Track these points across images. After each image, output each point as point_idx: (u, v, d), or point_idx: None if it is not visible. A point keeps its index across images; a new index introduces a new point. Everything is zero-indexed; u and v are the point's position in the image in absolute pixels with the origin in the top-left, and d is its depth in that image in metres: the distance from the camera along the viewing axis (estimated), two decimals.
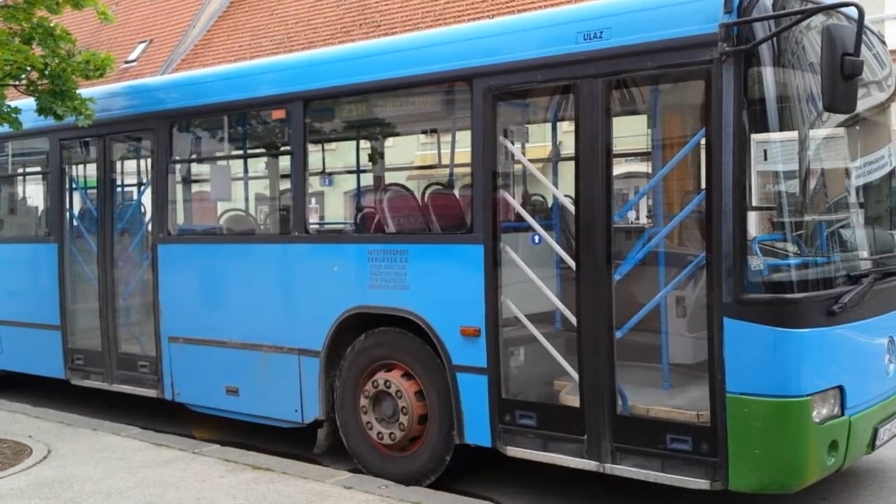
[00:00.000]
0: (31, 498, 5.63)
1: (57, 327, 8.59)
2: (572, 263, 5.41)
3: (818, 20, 4.91)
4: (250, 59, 19.60)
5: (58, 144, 8.70)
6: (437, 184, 7.81)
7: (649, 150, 6.22)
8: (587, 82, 5.27)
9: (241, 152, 8.74)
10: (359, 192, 8.80)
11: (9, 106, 6.88)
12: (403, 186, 7.49)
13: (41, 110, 7.02)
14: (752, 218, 5.02)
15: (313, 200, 8.53)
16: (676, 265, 5.37)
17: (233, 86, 7.44)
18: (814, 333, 4.71)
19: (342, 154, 9.63)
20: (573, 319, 5.37)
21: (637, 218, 9.98)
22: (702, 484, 4.87)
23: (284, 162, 7.78)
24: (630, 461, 5.13)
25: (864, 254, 5.49)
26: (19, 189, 10.41)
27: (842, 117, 5.15)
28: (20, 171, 10.28)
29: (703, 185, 4.97)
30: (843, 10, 5.09)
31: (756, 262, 4.75)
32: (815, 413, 4.72)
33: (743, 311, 4.69)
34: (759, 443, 4.69)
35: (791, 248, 4.94)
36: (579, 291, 5.33)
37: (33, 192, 10.27)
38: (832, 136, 5.42)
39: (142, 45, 27.71)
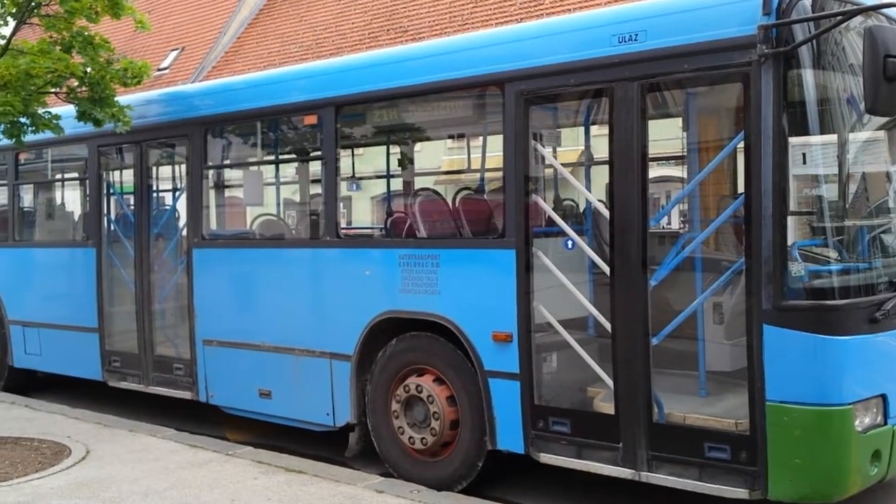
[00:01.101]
0: (70, 497, 5.70)
1: (94, 330, 8.69)
2: (606, 269, 5.36)
3: (859, 21, 4.82)
4: (279, 66, 19.77)
5: (96, 151, 8.82)
6: (468, 188, 7.80)
7: (683, 153, 6.16)
8: (622, 85, 5.22)
9: (273, 158, 8.79)
10: (389, 197, 8.81)
11: (49, 112, 6.98)
12: (434, 191, 7.48)
13: (81, 116, 7.12)
14: (792, 223, 4.95)
15: (340, 205, 8.55)
16: (713, 271, 5.30)
17: (265, 92, 7.49)
18: (856, 341, 4.63)
19: (370, 159, 9.67)
20: (608, 325, 5.32)
21: (669, 223, 9.89)
22: (740, 493, 4.80)
23: (315, 167, 7.82)
24: (666, 469, 5.07)
25: None
26: (58, 194, 10.57)
27: (883, 120, 5.07)
28: (59, 176, 10.45)
29: (742, 190, 4.91)
30: (885, 11, 5.01)
31: (796, 268, 4.67)
32: (857, 422, 4.63)
33: (783, 317, 4.62)
34: (799, 452, 4.61)
35: (832, 253, 4.86)
36: (614, 297, 5.27)
37: (71, 198, 10.42)
38: (873, 138, 5.34)
39: (174, 53, 28.02)
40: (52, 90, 6.99)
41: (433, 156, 11.82)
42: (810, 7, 4.71)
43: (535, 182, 5.84)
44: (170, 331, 8.29)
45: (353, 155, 9.06)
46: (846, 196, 4.89)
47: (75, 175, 10.04)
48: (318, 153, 7.13)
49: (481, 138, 7.83)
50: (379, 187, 11.18)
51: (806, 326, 4.57)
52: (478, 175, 8.11)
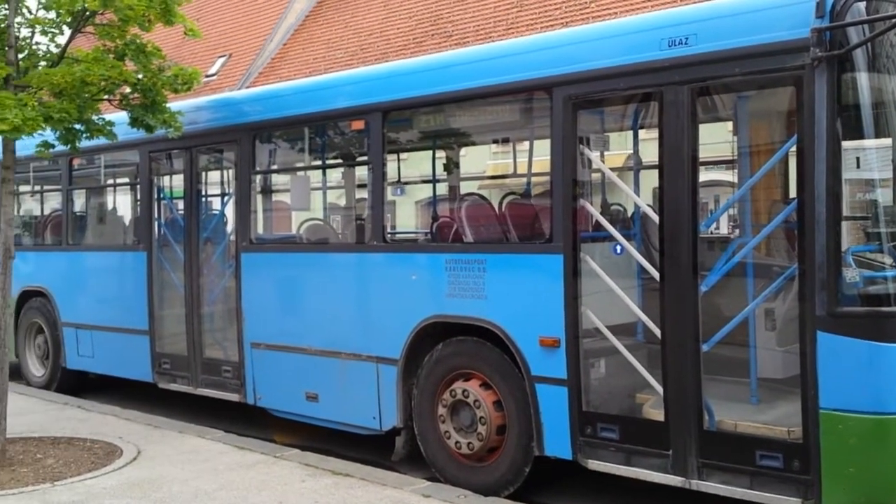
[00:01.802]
0: (122, 497, 5.81)
1: (145, 332, 8.84)
2: (656, 274, 5.31)
3: None
4: (324, 72, 19.94)
5: (147, 156, 8.98)
6: (514, 193, 7.79)
7: (733, 157, 6.10)
8: (672, 89, 5.18)
9: (320, 163, 8.87)
10: (435, 202, 8.84)
11: (103, 119, 7.12)
12: (481, 196, 7.48)
13: (134, 122, 7.25)
14: (846, 228, 4.87)
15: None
16: (765, 277, 5.23)
17: (313, 98, 7.58)
18: None
19: (415, 163, 9.71)
20: (657, 331, 5.28)
21: (717, 228, 9.79)
22: (793, 502, 4.72)
23: (362, 171, 7.87)
24: (717, 477, 5.01)
25: None
26: (109, 199, 10.78)
27: None
28: (110, 181, 10.65)
29: (794, 194, 4.84)
30: None
31: (851, 273, 4.60)
32: None
33: (837, 324, 4.55)
34: (854, 460, 4.53)
35: (887, 259, 4.77)
36: (664, 303, 5.23)
37: (122, 202, 10.61)
38: None
39: (221, 60, 28.41)
40: (106, 97, 7.12)
41: (478, 160, 11.82)
42: (864, 9, 4.64)
43: (582, 186, 5.81)
44: (218, 334, 8.41)
45: (398, 159, 9.12)
46: None
47: (126, 180, 10.21)
48: (365, 158, 7.17)
49: (527, 143, 7.82)
50: (423, 192, 11.21)
51: (861, 333, 4.49)
52: (523, 179, 8.10)
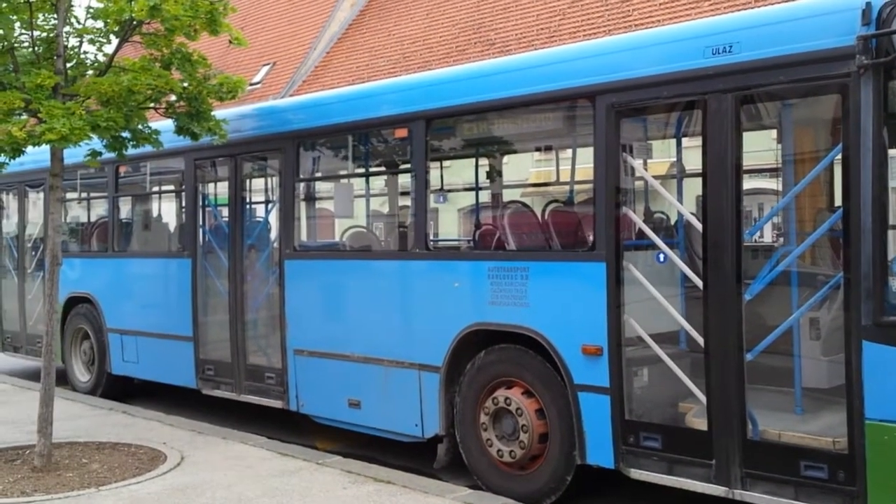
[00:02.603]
0: (166, 502, 5.90)
1: (189, 338, 8.96)
2: (699, 283, 5.29)
3: None
4: (367, 80, 20.09)
5: (192, 164, 9.13)
6: (557, 200, 7.79)
7: (777, 165, 6.04)
8: (716, 97, 5.16)
9: (363, 170, 8.95)
10: (477, 209, 8.87)
11: (149, 127, 7.25)
12: (523, 203, 7.50)
13: (179, 130, 7.38)
14: (892, 237, 4.80)
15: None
16: (809, 285, 5.19)
17: (356, 106, 7.65)
18: None
19: (457, 171, 9.74)
20: (700, 340, 5.25)
21: (761, 236, 9.67)
22: None
23: (404, 179, 7.92)
24: (761, 487, 4.96)
25: None
26: (155, 206, 10.97)
27: None
28: (156, 189, 10.84)
29: (839, 203, 4.79)
30: None
31: None
32: None
33: (883, 334, 4.49)
34: None
35: None
36: (707, 312, 5.20)
37: (167, 209, 10.79)
38: None
39: (265, 68, 28.78)
40: (152, 105, 7.25)
41: (521, 168, 11.83)
42: None
43: (625, 194, 5.80)
44: (262, 340, 8.49)
45: (441, 167, 9.16)
46: None
47: (172, 187, 10.38)
48: (408, 166, 7.24)
49: (570, 150, 7.82)
50: (466, 199, 11.25)
51: None
52: (566, 187, 8.10)
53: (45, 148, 6.79)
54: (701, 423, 5.25)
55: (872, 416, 4.54)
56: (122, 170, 10.29)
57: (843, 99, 4.69)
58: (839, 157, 4.80)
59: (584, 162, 6.42)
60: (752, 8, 5.29)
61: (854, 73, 4.59)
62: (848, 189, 4.66)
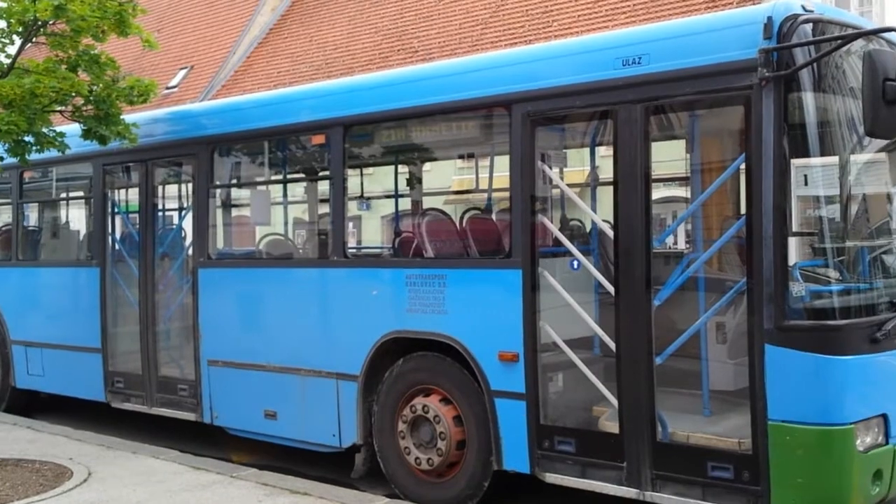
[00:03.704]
0: None
1: (98, 350, 8.70)
2: (611, 289, 5.39)
3: (859, 45, 4.88)
4: (289, 85, 19.88)
5: (101, 169, 8.87)
6: (475, 208, 7.84)
7: (687, 174, 6.20)
8: (626, 108, 5.28)
9: (280, 177, 8.84)
10: (396, 217, 8.86)
11: (54, 131, 7.03)
12: (441, 211, 7.52)
13: (86, 134, 7.18)
14: (793, 243, 4.98)
15: (350, 225, 8.65)
16: (716, 291, 5.33)
17: (273, 112, 7.55)
18: (857, 361, 4.65)
19: (379, 178, 9.71)
20: (612, 345, 5.35)
21: (675, 243, 9.92)
22: None
23: (323, 186, 7.85)
24: (670, 489, 5.08)
25: None
26: (62, 213, 10.62)
27: (883, 142, 5.10)
28: (63, 195, 10.50)
29: (744, 211, 4.95)
30: (884, 35, 5.09)
31: (798, 288, 4.71)
32: (858, 441, 4.64)
33: (784, 337, 4.65)
34: (801, 471, 4.63)
35: (833, 274, 4.89)
36: (618, 317, 5.31)
37: (75, 217, 10.46)
38: (874, 160, 5.37)
39: (182, 72, 28.21)
40: (58, 108, 7.04)
41: (443, 175, 11.85)
42: (811, 31, 4.77)
43: (541, 202, 5.88)
44: (174, 351, 8.31)
45: (361, 174, 9.11)
46: (847, 217, 4.92)
47: (80, 194, 10.07)
48: (326, 173, 7.18)
49: (489, 158, 7.89)
50: (389, 207, 11.22)
51: (807, 346, 4.60)
52: (485, 195, 8.16)
53: None
54: (613, 427, 5.34)
55: (775, 417, 4.69)
56: (28, 175, 9.92)
57: (746, 110, 4.85)
58: (743, 166, 4.96)
59: (502, 170, 6.47)
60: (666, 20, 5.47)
61: (756, 85, 4.75)
62: (751, 197, 4.82)
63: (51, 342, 9.30)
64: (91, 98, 7.09)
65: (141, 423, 8.70)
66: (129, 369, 8.52)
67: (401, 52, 22.96)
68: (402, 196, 8.84)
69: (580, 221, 7.23)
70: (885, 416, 4.81)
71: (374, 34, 24.67)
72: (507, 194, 5.99)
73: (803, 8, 4.82)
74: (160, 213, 8.84)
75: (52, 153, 7.21)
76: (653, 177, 5.29)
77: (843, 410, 4.60)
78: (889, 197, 5.58)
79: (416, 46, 22.83)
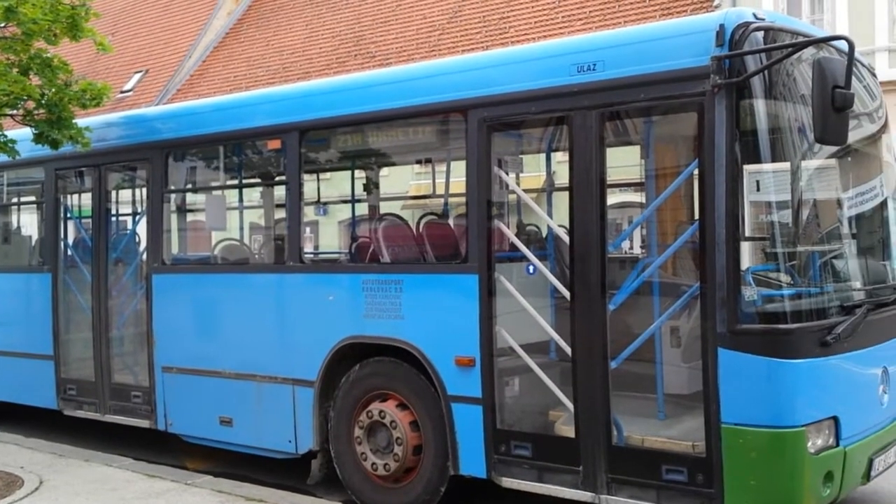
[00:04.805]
0: None
1: (49, 357, 8.54)
2: (567, 293, 5.42)
3: (809, 53, 4.98)
4: (246, 90, 19.74)
5: (53, 174, 8.71)
6: (432, 213, 7.84)
7: (642, 180, 6.27)
8: (581, 114, 5.32)
9: (236, 182, 8.75)
10: (354, 222, 8.81)
11: (4, 135, 6.90)
12: (398, 216, 7.51)
13: (38, 138, 7.05)
14: (746, 248, 5.05)
15: (308, 230, 8.56)
16: (670, 295, 5.39)
17: (228, 116, 7.49)
18: (808, 364, 4.72)
19: (337, 183, 9.65)
20: (567, 349, 5.38)
21: (631, 248, 10.02)
22: None
23: (279, 191, 7.79)
24: (626, 492, 5.11)
25: (857, 284, 5.51)
26: (13, 218, 10.40)
27: (833, 149, 5.20)
28: (14, 200, 10.29)
29: (697, 216, 5.01)
30: (834, 43, 5.19)
31: (749, 292, 4.77)
32: (809, 444, 4.72)
33: (737, 341, 4.71)
34: (754, 473, 4.69)
35: (784, 278, 4.97)
36: (574, 321, 5.34)
37: (27, 222, 10.26)
38: (824, 167, 5.47)
39: (137, 75, 27.87)
40: (9, 112, 6.91)
41: (401, 181, 11.84)
42: (762, 39, 4.85)
43: (497, 207, 5.90)
44: (128, 358, 8.18)
45: (318, 179, 9.06)
46: (799, 222, 4.98)
47: (32, 199, 9.89)
48: (283, 177, 7.12)
49: (446, 164, 7.89)
50: (346, 212, 11.17)
51: (759, 350, 4.66)
52: (442, 200, 8.16)
53: None
54: (569, 431, 5.37)
55: (728, 420, 4.74)
56: None
57: (699, 117, 4.91)
58: (696, 171, 5.02)
59: (459, 175, 6.48)
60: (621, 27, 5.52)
61: (709, 91, 4.82)
62: (704, 203, 4.88)
63: (1, 349, 9.09)
64: (43, 102, 6.98)
65: (94, 431, 8.56)
66: (81, 376, 8.38)
67: (358, 56, 22.93)
68: (358, 201, 8.81)
69: (536, 226, 7.27)
70: (835, 419, 4.89)
71: (331, 39, 24.62)
72: (463, 199, 6.00)
73: (755, 16, 4.90)
74: (114, 219, 8.71)
75: (3, 157, 7.05)
76: (608, 182, 5.35)
77: (794, 413, 4.67)
78: (839, 202, 5.69)
79: (373, 51, 22.82)
